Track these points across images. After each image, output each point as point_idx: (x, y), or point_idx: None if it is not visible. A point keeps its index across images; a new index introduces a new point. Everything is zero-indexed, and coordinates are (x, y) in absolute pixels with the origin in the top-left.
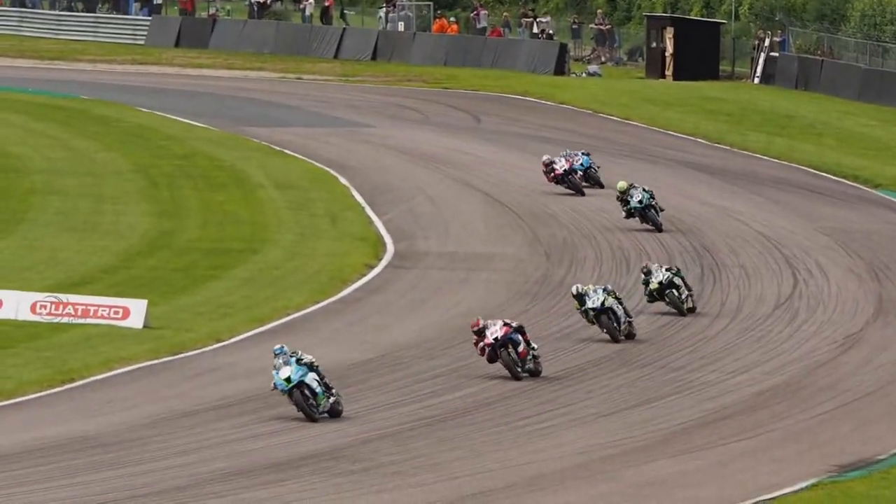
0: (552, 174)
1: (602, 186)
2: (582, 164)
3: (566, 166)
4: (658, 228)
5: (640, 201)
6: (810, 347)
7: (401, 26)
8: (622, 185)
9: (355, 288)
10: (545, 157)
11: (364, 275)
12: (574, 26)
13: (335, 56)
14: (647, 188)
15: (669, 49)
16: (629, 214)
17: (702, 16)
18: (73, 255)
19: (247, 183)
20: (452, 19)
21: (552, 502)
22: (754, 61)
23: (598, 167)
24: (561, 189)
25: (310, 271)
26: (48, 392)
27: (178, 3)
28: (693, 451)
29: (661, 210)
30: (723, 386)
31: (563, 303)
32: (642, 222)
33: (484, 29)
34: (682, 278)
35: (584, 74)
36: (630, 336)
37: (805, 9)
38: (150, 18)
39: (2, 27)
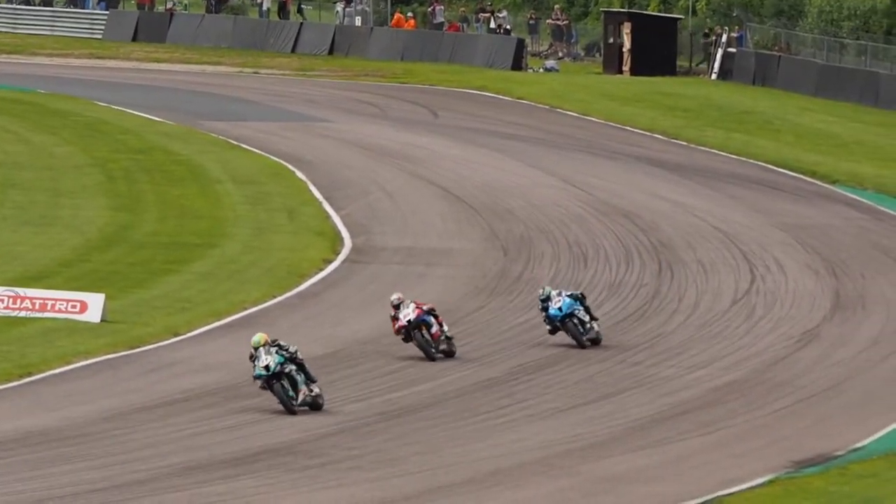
0: (395, 323)
1: (596, 343)
2: (559, 310)
3: (412, 315)
4: (579, 344)
5: (560, 309)
6: (767, 343)
7: (358, 21)
8: (544, 290)
9: (313, 282)
10: (394, 297)
11: (322, 269)
12: (531, 21)
13: (292, 51)
14: (576, 293)
15: (627, 44)
16: (551, 326)
17: (659, 11)
18: (31, 249)
19: (204, 177)
20: (409, 14)
21: (511, 497)
22: (712, 57)
23: (594, 320)
24: (518, 183)
25: (267, 266)
26: (6, 386)
27: None
28: (651, 447)
29: (594, 319)
30: (680, 381)
31: (520, 298)
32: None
33: (441, 24)
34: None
35: (541, 70)
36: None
37: (762, 4)
38: (107, 13)
39: None
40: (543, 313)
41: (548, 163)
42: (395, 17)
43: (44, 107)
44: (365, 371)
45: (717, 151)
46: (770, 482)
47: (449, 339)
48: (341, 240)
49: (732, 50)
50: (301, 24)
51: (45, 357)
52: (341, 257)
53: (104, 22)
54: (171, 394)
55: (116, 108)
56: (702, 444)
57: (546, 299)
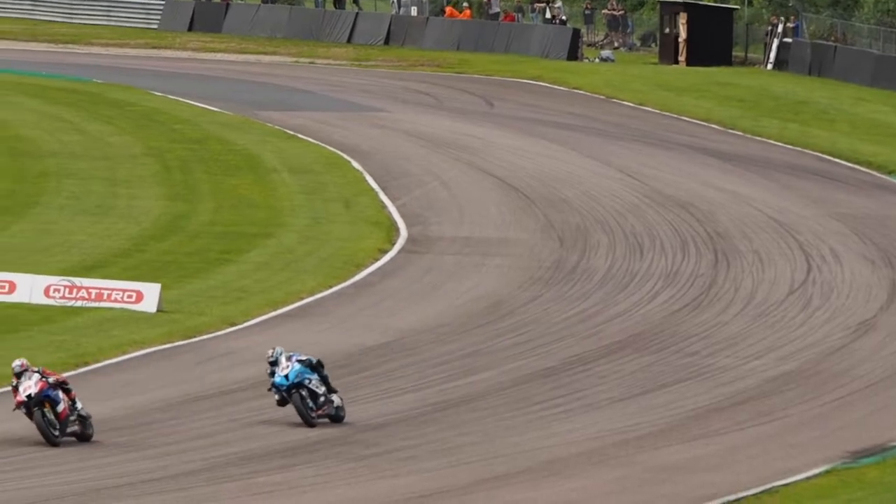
0: (15, 395)
1: (336, 420)
2: (286, 378)
3: (34, 389)
4: (306, 422)
5: (287, 377)
6: (824, 333)
7: (414, 11)
8: (273, 351)
9: (369, 272)
10: (15, 364)
11: (377, 259)
12: (587, 12)
13: (348, 40)
14: (311, 359)
15: (682, 34)
16: (278, 396)
17: (715, 1)
18: (87, 239)
19: (260, 167)
20: (465, 4)
21: (566, 487)
22: (767, 47)
23: (332, 392)
24: (573, 173)
25: (323, 255)
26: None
27: None
28: (707, 437)
29: (332, 391)
30: (736, 371)
31: (576, 288)
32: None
33: (497, 14)
34: (323, 375)
35: (596, 60)
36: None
37: None
38: (163, 2)
39: (16, 11)
40: (270, 379)
41: (603, 153)
42: (448, 10)
43: (100, 96)
44: (421, 361)
45: (772, 142)
46: (826, 472)
47: (83, 418)
48: (397, 230)
49: (788, 40)
50: (357, 13)
51: (100, 347)
52: (397, 247)
53: (160, 11)
54: (226, 383)
55: (172, 97)
56: (758, 434)
57: (274, 363)
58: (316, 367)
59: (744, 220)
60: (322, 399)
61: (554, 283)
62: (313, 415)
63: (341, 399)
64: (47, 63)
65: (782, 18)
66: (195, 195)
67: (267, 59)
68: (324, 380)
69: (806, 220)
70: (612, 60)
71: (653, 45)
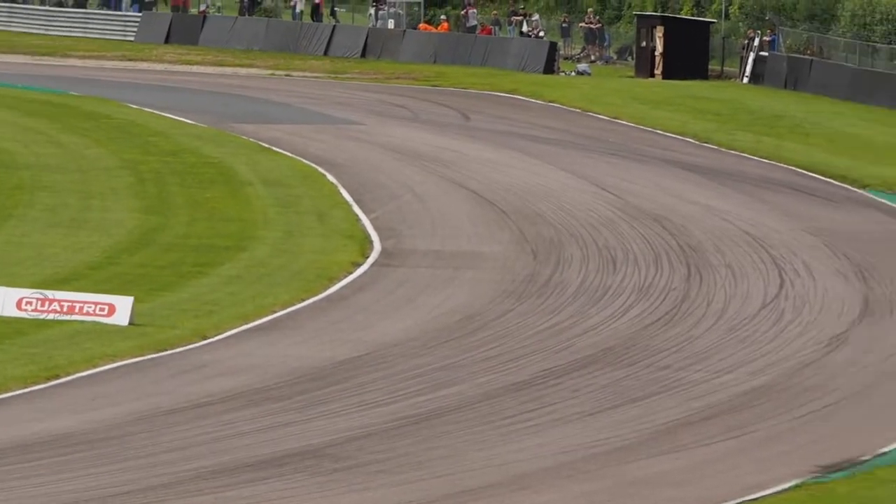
0: None
1: None
2: None
3: None
4: None
5: None
6: (796, 348)
7: (391, 24)
8: None
9: (342, 286)
10: None
11: (351, 272)
12: (564, 25)
13: (325, 53)
14: None
15: (659, 48)
16: None
17: (692, 15)
18: (60, 252)
19: (234, 180)
20: (443, 17)
21: (535, 501)
22: (743, 61)
23: None
24: (548, 186)
25: (296, 269)
26: (33, 388)
27: (169, 1)
28: (677, 451)
29: None
30: (708, 385)
31: (548, 301)
32: None
33: (474, 27)
34: None
35: (573, 73)
36: None
37: (795, 8)
38: (140, 15)
39: None
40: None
41: (578, 166)
42: (421, 26)
43: (75, 109)
44: (392, 374)
45: (747, 155)
46: (796, 487)
47: None
48: (371, 243)
49: (764, 54)
50: (334, 26)
51: (72, 359)
52: (370, 261)
53: (137, 24)
54: (198, 397)
55: (148, 110)
56: (728, 449)
57: None
58: None
59: (717, 233)
60: None
61: (527, 296)
62: None
63: None
64: (24, 75)
65: (759, 32)
66: (169, 208)
67: (243, 71)
68: None
69: (779, 234)
70: (589, 74)
71: (629, 58)
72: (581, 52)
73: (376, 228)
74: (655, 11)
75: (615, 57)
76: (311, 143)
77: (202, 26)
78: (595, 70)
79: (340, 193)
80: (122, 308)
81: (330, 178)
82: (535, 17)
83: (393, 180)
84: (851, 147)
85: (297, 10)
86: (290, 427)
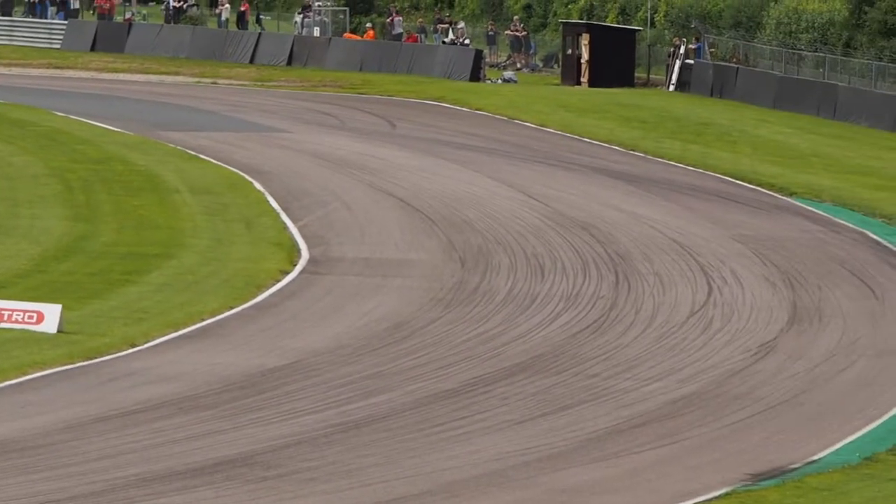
0: None
1: None
2: None
3: None
4: None
5: None
6: (724, 356)
7: (316, 31)
8: None
9: (270, 293)
10: None
11: (279, 280)
12: (490, 33)
13: (251, 61)
14: None
15: (585, 56)
16: None
17: (617, 23)
18: None
19: (162, 187)
20: (368, 25)
21: None
22: (670, 68)
23: None
24: (475, 194)
25: (224, 276)
26: None
27: (95, 8)
28: (607, 459)
29: None
30: (637, 393)
31: (477, 309)
32: None
33: (399, 35)
34: None
35: (499, 81)
36: None
37: (721, 16)
38: (65, 22)
39: None
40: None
41: (505, 174)
42: (346, 35)
43: (1, 116)
44: (321, 382)
45: (674, 163)
46: (726, 495)
47: None
48: (298, 251)
49: (690, 61)
50: (259, 34)
51: (1, 367)
52: (298, 268)
53: (63, 31)
54: (128, 404)
55: (74, 117)
56: (657, 457)
57: None
58: None
59: (645, 241)
60: None
61: (455, 304)
62: None
63: None
64: None
65: (684, 40)
66: (97, 216)
67: (170, 79)
68: None
69: (707, 242)
70: (515, 81)
71: (555, 66)
72: (507, 59)
73: (304, 236)
74: (581, 19)
75: (541, 65)
76: (238, 150)
77: (128, 34)
78: (521, 78)
79: (268, 201)
80: (50, 316)
81: (257, 185)
82: (461, 24)
83: (320, 188)
84: (778, 155)
85: (223, 17)
86: (221, 435)
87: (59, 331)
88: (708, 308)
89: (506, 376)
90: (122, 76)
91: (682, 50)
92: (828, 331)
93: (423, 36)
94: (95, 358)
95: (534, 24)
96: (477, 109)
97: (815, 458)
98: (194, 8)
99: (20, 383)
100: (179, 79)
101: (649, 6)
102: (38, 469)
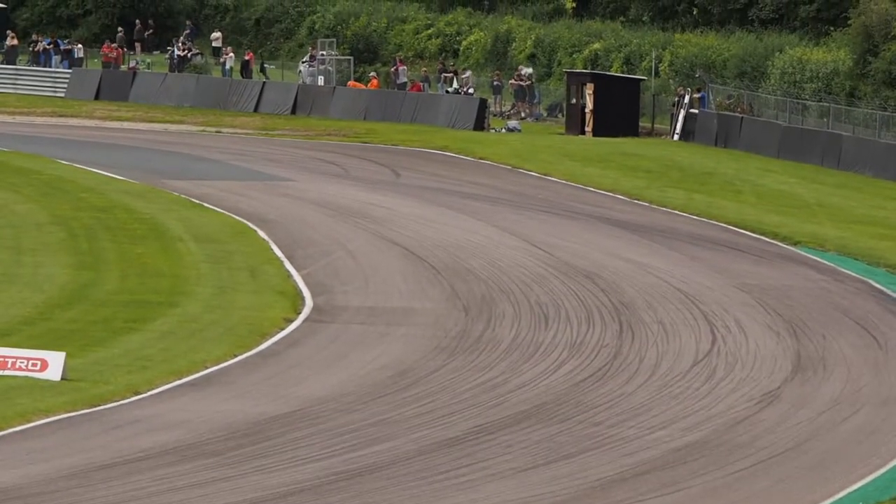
0: None
1: None
2: None
3: None
4: None
5: None
6: (728, 404)
7: (321, 80)
8: None
9: (274, 341)
10: None
11: (283, 328)
12: (496, 83)
13: (255, 110)
14: None
15: (589, 105)
16: None
17: (622, 72)
18: None
19: (166, 236)
20: (372, 74)
21: None
22: (674, 118)
23: None
24: (479, 243)
25: (228, 325)
26: None
27: (101, 57)
28: None
29: None
30: (641, 442)
31: (481, 357)
32: None
33: (404, 84)
34: None
35: (503, 130)
36: None
37: (725, 66)
38: (70, 71)
39: None
40: None
41: (509, 223)
42: (350, 83)
43: (5, 164)
44: (325, 430)
45: (678, 212)
46: None
47: None
48: (303, 299)
49: (695, 111)
50: (264, 83)
51: (4, 415)
52: (302, 317)
53: (67, 80)
54: (131, 452)
55: (78, 166)
56: None
57: None
58: None
59: (649, 290)
60: None
61: (459, 352)
62: None
63: None
64: None
65: (689, 89)
66: (101, 263)
67: (174, 127)
68: None
69: (711, 291)
70: (519, 131)
71: (559, 115)
72: (511, 108)
73: (308, 284)
74: (585, 69)
75: (545, 114)
76: (242, 199)
77: (132, 82)
78: (525, 127)
79: (272, 249)
80: (54, 363)
81: (261, 234)
82: (467, 73)
83: (324, 237)
84: (782, 204)
85: (227, 66)
86: (224, 482)
87: (62, 378)
88: (712, 357)
89: (509, 424)
90: (126, 125)
91: (686, 99)
92: (831, 380)
93: (426, 85)
94: (99, 405)
95: (538, 73)
96: (481, 158)
97: None
98: (199, 57)
99: (24, 430)
100: (183, 127)
101: (654, 56)
102: None
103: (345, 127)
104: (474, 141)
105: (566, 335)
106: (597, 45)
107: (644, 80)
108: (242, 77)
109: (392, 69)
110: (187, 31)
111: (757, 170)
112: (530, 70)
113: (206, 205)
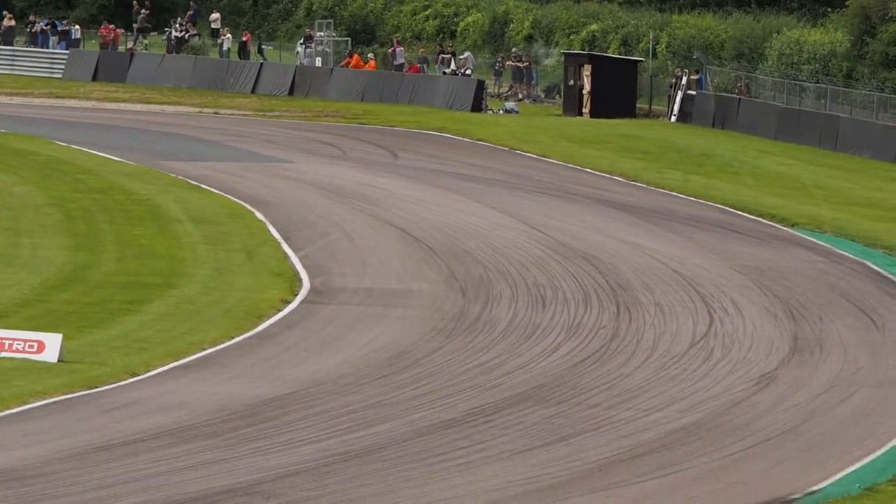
0: None
1: None
2: None
3: None
4: None
5: None
6: (725, 386)
7: (318, 61)
8: None
9: (271, 323)
10: None
11: (280, 310)
12: (497, 67)
13: (252, 91)
14: None
15: (587, 86)
16: None
17: (619, 54)
18: None
19: (163, 217)
20: (370, 55)
21: None
22: (671, 99)
23: None
24: (477, 224)
25: (225, 306)
26: None
27: (98, 38)
28: (608, 489)
29: None
30: (638, 423)
31: (478, 339)
32: None
33: (401, 65)
34: None
35: (501, 111)
36: None
37: (723, 47)
38: (67, 52)
39: None
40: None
41: (507, 204)
42: (354, 59)
43: (2, 146)
44: (322, 412)
45: (676, 194)
46: None
47: None
48: (300, 281)
49: (692, 92)
50: (261, 64)
51: (1, 397)
52: (300, 298)
53: (64, 61)
54: (128, 434)
55: (76, 147)
56: (658, 487)
57: None
58: None
59: (646, 272)
60: None
61: (456, 334)
62: None
63: None
64: None
65: (686, 71)
66: (98, 245)
67: (171, 109)
68: None
69: (708, 273)
70: (517, 112)
71: (557, 96)
72: (509, 90)
73: (305, 266)
74: (583, 50)
75: (543, 95)
76: (239, 180)
77: (130, 64)
78: (523, 108)
79: (269, 231)
80: (51, 345)
81: (259, 215)
82: (467, 54)
83: (322, 218)
84: (780, 186)
85: (225, 47)
86: (221, 464)
87: (59, 360)
88: (709, 338)
89: (507, 406)
90: (123, 106)
91: (683, 81)
92: (828, 361)
93: (425, 66)
94: (96, 387)
95: (536, 54)
96: (479, 140)
97: (816, 488)
98: (196, 38)
99: (21, 412)
100: (181, 109)
101: (651, 37)
102: (38, 498)
103: (342, 108)
104: (472, 122)
105: (563, 317)
106: (594, 27)
107: (642, 61)
108: (240, 58)
109: (390, 50)
110: (191, 13)
111: (754, 151)
112: (544, 50)
113: (203, 186)
